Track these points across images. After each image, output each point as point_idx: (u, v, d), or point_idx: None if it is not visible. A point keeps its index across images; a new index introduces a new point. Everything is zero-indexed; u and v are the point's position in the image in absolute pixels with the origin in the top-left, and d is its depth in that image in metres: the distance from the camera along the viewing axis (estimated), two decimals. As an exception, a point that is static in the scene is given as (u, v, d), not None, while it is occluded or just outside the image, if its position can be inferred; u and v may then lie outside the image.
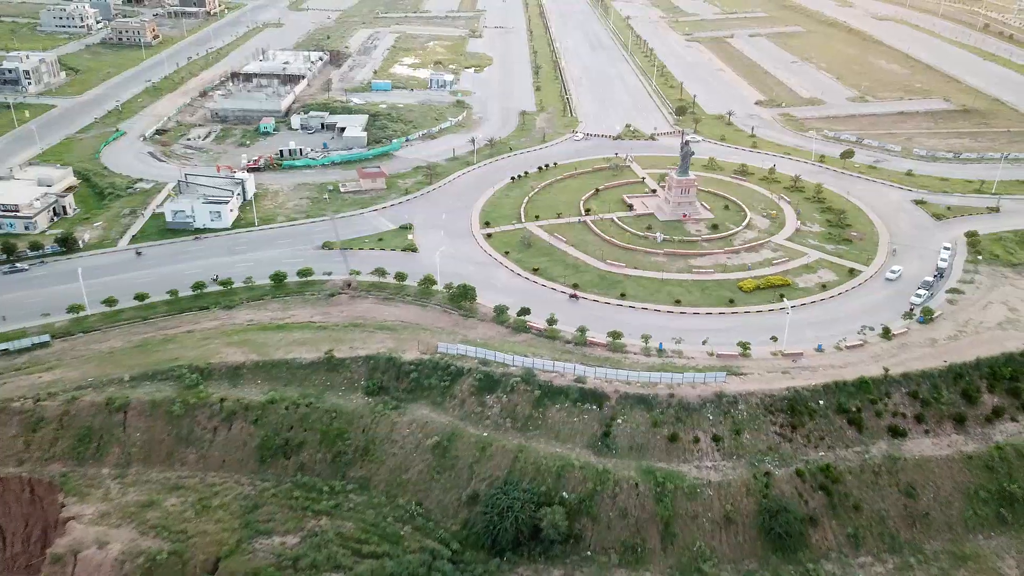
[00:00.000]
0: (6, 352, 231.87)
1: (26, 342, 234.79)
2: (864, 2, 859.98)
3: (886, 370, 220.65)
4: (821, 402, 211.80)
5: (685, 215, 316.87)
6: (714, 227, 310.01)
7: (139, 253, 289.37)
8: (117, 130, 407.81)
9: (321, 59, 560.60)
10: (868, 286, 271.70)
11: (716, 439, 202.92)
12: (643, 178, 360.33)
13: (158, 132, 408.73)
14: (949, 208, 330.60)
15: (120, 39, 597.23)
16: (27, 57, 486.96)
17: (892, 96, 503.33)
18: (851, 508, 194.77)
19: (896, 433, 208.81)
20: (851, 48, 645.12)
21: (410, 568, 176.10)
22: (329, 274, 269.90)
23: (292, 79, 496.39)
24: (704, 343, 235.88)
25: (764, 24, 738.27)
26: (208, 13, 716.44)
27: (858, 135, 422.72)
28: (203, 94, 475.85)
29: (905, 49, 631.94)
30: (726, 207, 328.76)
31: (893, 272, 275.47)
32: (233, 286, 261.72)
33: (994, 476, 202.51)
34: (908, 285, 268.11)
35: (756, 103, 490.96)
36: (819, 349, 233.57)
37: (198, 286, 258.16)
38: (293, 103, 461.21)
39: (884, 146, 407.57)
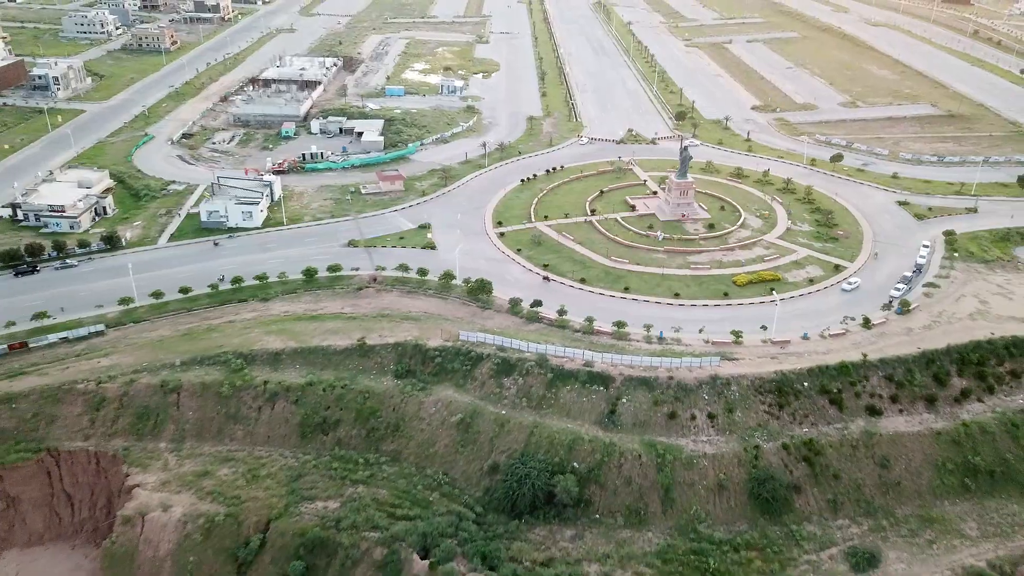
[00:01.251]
0: (66, 340, 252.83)
1: (83, 331, 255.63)
2: (859, 8, 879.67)
3: (865, 356, 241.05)
4: (806, 384, 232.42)
5: (684, 215, 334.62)
6: (711, 226, 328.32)
7: (216, 243, 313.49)
8: (146, 134, 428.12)
9: (335, 65, 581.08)
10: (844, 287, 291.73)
11: (711, 416, 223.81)
12: (645, 180, 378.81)
13: (185, 136, 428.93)
14: (930, 209, 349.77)
15: (140, 45, 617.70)
16: (56, 64, 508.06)
17: (882, 101, 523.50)
18: (831, 477, 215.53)
19: (873, 412, 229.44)
20: (844, 54, 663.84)
21: (439, 528, 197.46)
22: (356, 269, 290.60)
23: (309, 85, 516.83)
24: (700, 331, 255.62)
25: (761, 30, 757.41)
26: (223, 19, 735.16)
27: (848, 139, 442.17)
28: (224, 99, 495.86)
29: (896, 55, 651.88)
30: (722, 208, 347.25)
31: (849, 284, 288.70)
32: (268, 280, 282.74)
33: (960, 450, 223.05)
34: (865, 296, 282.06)
35: (752, 108, 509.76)
36: (805, 337, 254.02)
37: (236, 280, 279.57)
38: (311, 108, 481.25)
39: (872, 150, 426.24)
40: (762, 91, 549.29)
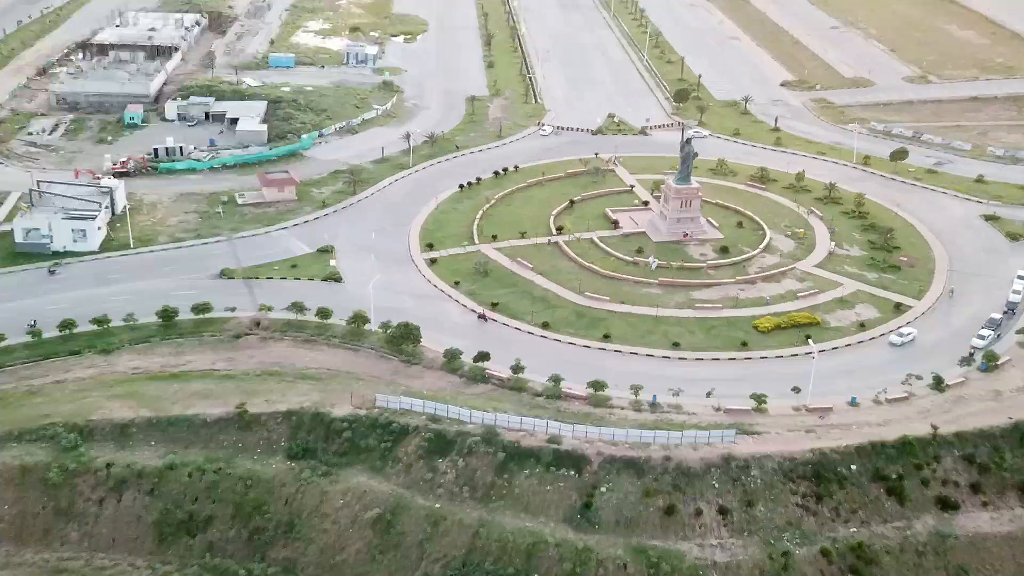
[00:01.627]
0: None
1: None
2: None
3: (935, 429, 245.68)
4: (854, 467, 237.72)
5: (686, 234, 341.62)
6: (723, 250, 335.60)
7: (52, 271, 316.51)
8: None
9: (198, 24, 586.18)
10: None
11: (723, 512, 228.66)
12: (632, 186, 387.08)
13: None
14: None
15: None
16: None
17: (964, 75, 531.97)
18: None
19: (946, 505, 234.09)
20: (913, 8, 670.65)
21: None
22: (232, 310, 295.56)
23: (162, 52, 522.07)
24: (709, 395, 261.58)
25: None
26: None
27: (916, 128, 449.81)
28: (43, 72, 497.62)
29: (985, 9, 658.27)
30: (739, 224, 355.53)
31: (900, 335, 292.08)
32: (110, 325, 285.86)
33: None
34: (922, 352, 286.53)
35: (782, 84, 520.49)
36: (853, 403, 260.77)
37: (66, 325, 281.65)
38: (165, 84, 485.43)
39: (950, 143, 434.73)
40: (796, 60, 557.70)
